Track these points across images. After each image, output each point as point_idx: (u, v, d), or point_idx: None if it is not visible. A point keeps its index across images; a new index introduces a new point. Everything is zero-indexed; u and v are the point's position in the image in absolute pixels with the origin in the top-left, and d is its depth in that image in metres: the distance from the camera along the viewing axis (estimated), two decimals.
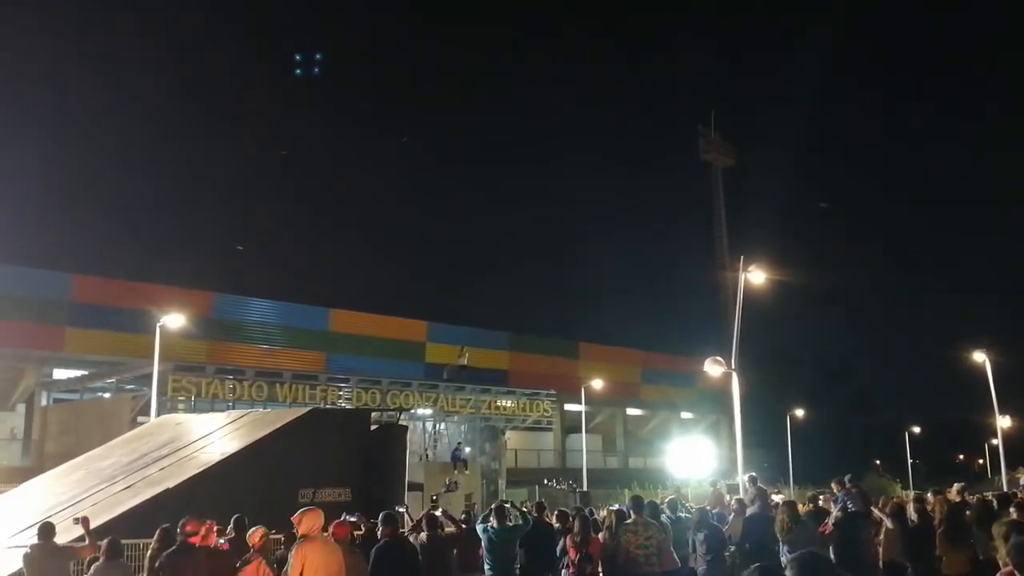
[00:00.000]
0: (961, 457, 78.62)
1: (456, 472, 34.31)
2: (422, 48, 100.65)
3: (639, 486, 38.44)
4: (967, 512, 11.56)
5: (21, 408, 37.07)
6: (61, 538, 11.08)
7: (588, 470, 36.41)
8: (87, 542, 9.85)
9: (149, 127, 78.88)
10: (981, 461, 69.78)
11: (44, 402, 36.60)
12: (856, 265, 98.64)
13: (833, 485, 12.97)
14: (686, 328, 64.64)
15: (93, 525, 14.10)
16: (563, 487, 33.31)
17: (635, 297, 78.36)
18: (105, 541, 9.61)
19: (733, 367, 17.01)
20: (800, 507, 14.54)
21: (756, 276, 17.61)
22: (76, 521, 10.67)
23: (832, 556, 10.90)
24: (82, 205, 59.46)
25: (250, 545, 9.40)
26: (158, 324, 25.14)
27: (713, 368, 17.35)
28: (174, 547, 9.28)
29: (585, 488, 33.82)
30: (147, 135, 79.28)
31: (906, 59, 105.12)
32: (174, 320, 25.63)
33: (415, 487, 29.45)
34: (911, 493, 45.58)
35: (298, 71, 55.59)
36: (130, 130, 77.55)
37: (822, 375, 73.20)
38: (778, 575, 4.00)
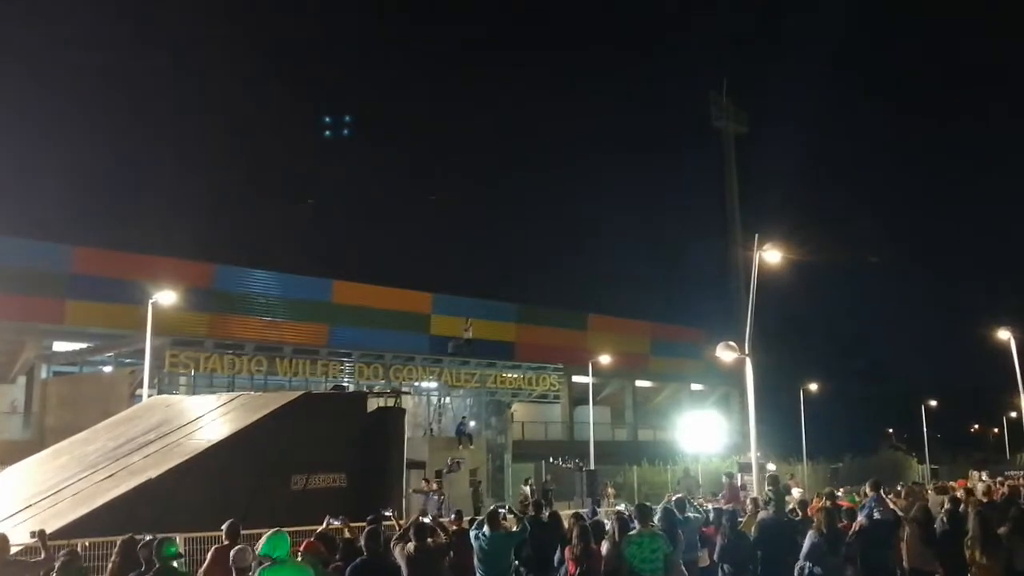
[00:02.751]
0: (976, 427, 77.91)
1: (461, 447, 33.78)
2: (422, 32, 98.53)
3: (648, 461, 37.86)
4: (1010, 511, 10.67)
5: (21, 381, 36.67)
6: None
7: (596, 443, 35.66)
8: (43, 556, 9.06)
9: (151, 98, 77.70)
10: (996, 430, 69.09)
11: (44, 375, 36.13)
12: (872, 235, 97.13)
13: (867, 488, 12.06)
14: (696, 299, 63.68)
15: (71, 518, 13.54)
16: (569, 466, 32.62)
17: (644, 268, 77.21)
18: (62, 553, 8.83)
19: (747, 352, 16.13)
20: (815, 501, 13.77)
21: (771, 255, 16.68)
22: (33, 535, 9.92)
23: (859, 563, 10.13)
24: (82, 176, 58.47)
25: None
26: (150, 301, 24.39)
27: (726, 354, 16.49)
28: (152, 572, 8.01)
29: (592, 466, 33.11)
30: (149, 105, 78.19)
31: (924, 26, 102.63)
32: (166, 297, 24.86)
33: (417, 465, 28.92)
34: (927, 468, 45.08)
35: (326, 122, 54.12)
36: (133, 101, 76.46)
37: (835, 347, 72.34)
38: None
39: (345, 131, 50.37)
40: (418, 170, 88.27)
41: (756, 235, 16.74)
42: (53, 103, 65.98)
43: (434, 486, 25.27)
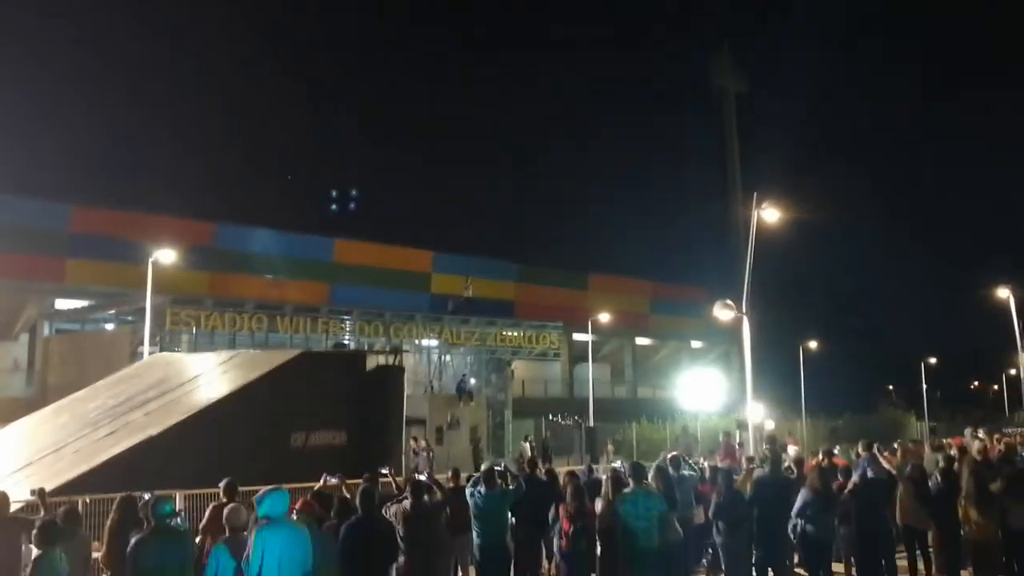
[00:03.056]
0: (976, 385, 78.16)
1: (461, 404, 33.98)
2: None
3: (647, 418, 38.03)
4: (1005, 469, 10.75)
5: (24, 339, 36.87)
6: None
7: (596, 400, 35.84)
8: (43, 514, 9.13)
9: (150, 57, 76.84)
10: (996, 388, 69.33)
11: (46, 332, 36.30)
12: (872, 195, 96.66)
13: (860, 448, 12.11)
14: (697, 258, 63.41)
15: (72, 475, 13.65)
16: (568, 422, 32.83)
17: (645, 227, 76.90)
18: (61, 511, 8.89)
19: (744, 311, 16.15)
20: (811, 459, 13.83)
21: (769, 214, 16.63)
22: (33, 493, 9.98)
23: (853, 523, 10.20)
24: (81, 134, 58.11)
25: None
26: (150, 259, 24.37)
27: (723, 312, 16.50)
28: (149, 529, 7.68)
29: (592, 423, 33.31)
30: (148, 64, 77.32)
31: None
32: (166, 255, 24.82)
33: (417, 422, 29.12)
34: (926, 425, 45.27)
35: None
36: (131, 60, 75.57)
37: (835, 305, 72.33)
38: None
39: (352, 204, 50.31)
40: (419, 127, 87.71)
41: (754, 194, 16.72)
42: (52, 62, 65.42)
43: (423, 444, 25.46)
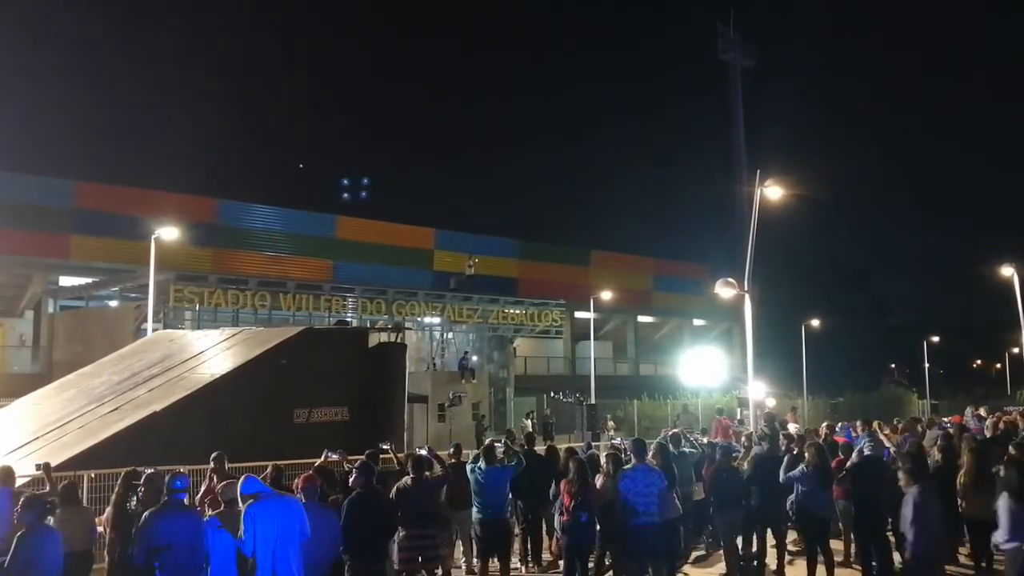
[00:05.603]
0: (979, 363, 78.18)
1: (463, 381, 34.05)
2: None
3: (649, 395, 38.13)
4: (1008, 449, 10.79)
5: (29, 315, 36.97)
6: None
7: (598, 377, 35.87)
8: (48, 489, 9.24)
9: (152, 28, 76.50)
10: (999, 365, 69.40)
11: (51, 309, 36.39)
12: (878, 172, 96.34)
13: (859, 424, 12.15)
14: (699, 235, 63.52)
15: (77, 450, 13.76)
16: (570, 400, 32.87)
17: (648, 203, 76.83)
18: (60, 486, 9.00)
19: (746, 289, 16.15)
20: (813, 435, 13.89)
21: (772, 191, 16.59)
22: (38, 468, 10.08)
23: (851, 501, 10.27)
24: (85, 111, 58.06)
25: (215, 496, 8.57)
26: (153, 236, 24.38)
27: (725, 290, 16.49)
28: (160, 505, 7.75)
29: (593, 400, 33.39)
30: (150, 37, 77.04)
31: None
32: (169, 232, 24.84)
33: (419, 399, 29.21)
34: (928, 403, 45.33)
35: None
36: (135, 37, 75.32)
37: (839, 282, 72.18)
38: None
39: (363, 193, 50.64)
40: (421, 106, 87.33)
41: (758, 171, 16.68)
42: (56, 39, 65.16)
43: None
